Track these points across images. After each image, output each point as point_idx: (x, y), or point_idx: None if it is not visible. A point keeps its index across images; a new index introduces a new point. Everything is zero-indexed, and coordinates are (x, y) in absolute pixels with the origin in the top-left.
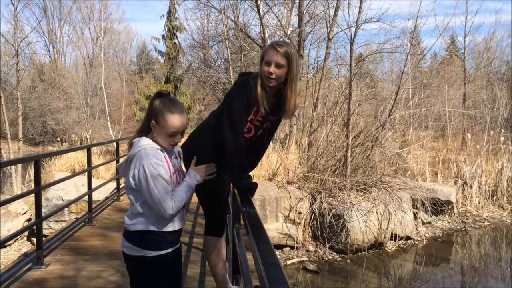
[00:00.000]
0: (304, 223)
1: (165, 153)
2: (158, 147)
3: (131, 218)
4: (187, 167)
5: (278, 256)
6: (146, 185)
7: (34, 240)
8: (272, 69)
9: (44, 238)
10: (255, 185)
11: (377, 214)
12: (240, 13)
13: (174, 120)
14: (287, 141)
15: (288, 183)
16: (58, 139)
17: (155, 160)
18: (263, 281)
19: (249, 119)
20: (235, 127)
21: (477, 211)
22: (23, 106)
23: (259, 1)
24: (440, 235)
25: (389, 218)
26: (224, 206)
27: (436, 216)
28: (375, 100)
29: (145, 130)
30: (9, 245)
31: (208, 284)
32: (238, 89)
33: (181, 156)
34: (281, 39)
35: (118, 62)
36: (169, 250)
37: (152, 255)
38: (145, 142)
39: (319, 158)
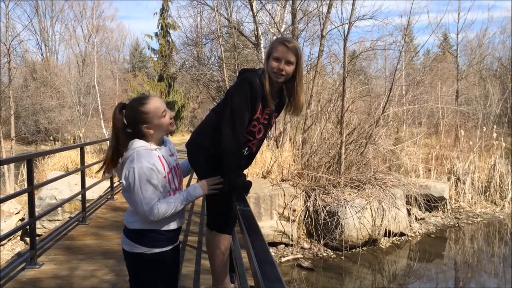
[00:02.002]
0: (299, 220)
1: (159, 153)
2: (152, 147)
3: (130, 216)
4: (192, 166)
5: (273, 254)
6: (133, 187)
7: (28, 239)
8: (282, 65)
9: (37, 238)
10: (249, 183)
11: (371, 210)
12: (233, 11)
13: (151, 103)
14: (281, 139)
15: (282, 180)
16: (51, 138)
17: (147, 164)
18: (258, 279)
19: (255, 118)
20: (236, 124)
21: (470, 207)
22: (16, 105)
23: None
24: (434, 231)
25: (383, 215)
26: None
27: (430, 212)
28: (369, 97)
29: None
30: (2, 245)
31: (203, 282)
32: (241, 85)
33: (182, 151)
34: (274, 36)
35: (111, 60)
36: (168, 248)
37: (150, 252)
38: (138, 144)
39: (313, 156)
